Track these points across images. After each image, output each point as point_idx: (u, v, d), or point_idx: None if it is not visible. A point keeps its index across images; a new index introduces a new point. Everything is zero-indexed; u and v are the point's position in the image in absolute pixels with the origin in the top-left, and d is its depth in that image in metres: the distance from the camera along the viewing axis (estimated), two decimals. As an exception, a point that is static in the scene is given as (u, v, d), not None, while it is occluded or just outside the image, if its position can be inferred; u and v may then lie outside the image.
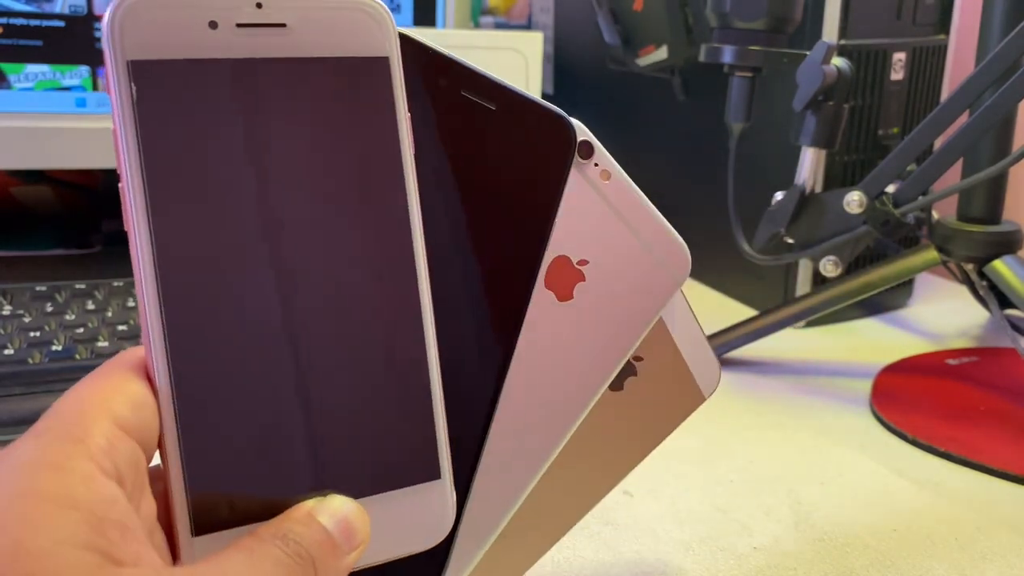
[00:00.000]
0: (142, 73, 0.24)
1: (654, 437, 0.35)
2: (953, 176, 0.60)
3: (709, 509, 0.46)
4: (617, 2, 0.75)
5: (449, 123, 0.31)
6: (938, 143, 0.60)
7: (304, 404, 0.25)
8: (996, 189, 0.60)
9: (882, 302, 0.74)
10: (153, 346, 0.24)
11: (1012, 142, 0.59)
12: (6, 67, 0.70)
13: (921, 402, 0.57)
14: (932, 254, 0.61)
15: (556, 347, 0.32)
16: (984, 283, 0.59)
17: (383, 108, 0.27)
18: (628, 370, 0.34)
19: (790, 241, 0.62)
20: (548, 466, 0.32)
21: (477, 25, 0.94)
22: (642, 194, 0.33)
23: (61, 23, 0.72)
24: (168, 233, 0.24)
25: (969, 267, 0.60)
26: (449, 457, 0.27)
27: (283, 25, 0.25)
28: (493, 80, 0.31)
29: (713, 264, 0.77)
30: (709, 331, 0.64)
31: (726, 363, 0.64)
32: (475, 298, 0.31)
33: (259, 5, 0.25)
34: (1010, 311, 0.60)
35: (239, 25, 0.25)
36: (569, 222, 0.32)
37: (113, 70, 0.24)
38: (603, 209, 0.32)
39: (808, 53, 0.58)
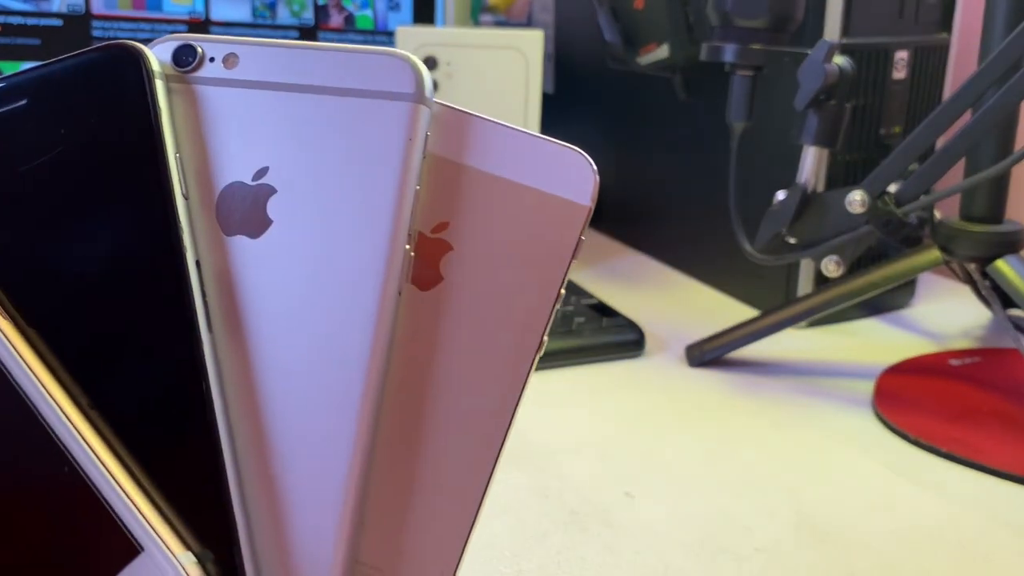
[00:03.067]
0: None
1: (538, 294, 0.27)
2: (955, 175, 0.60)
3: (710, 510, 0.46)
4: (618, 0, 0.75)
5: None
6: (940, 142, 0.59)
7: None
8: (998, 188, 0.60)
9: (884, 302, 0.73)
10: None
11: (1014, 141, 0.59)
12: (3, 65, 0.70)
13: (924, 403, 0.57)
14: (934, 254, 0.60)
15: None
16: (987, 283, 0.59)
17: None
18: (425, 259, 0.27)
19: (792, 241, 0.61)
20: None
21: (477, 23, 0.94)
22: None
23: (59, 22, 0.72)
24: None
25: (972, 267, 0.59)
26: (156, 521, 0.25)
27: None
28: (7, 78, 0.26)
29: (714, 264, 0.76)
30: (711, 331, 0.64)
31: (728, 363, 0.63)
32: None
33: None
34: (1013, 311, 0.59)
35: None
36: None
37: None
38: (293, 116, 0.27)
39: (810, 52, 0.57)
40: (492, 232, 0.27)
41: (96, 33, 0.74)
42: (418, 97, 0.26)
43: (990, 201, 0.60)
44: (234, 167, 0.27)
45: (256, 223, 0.27)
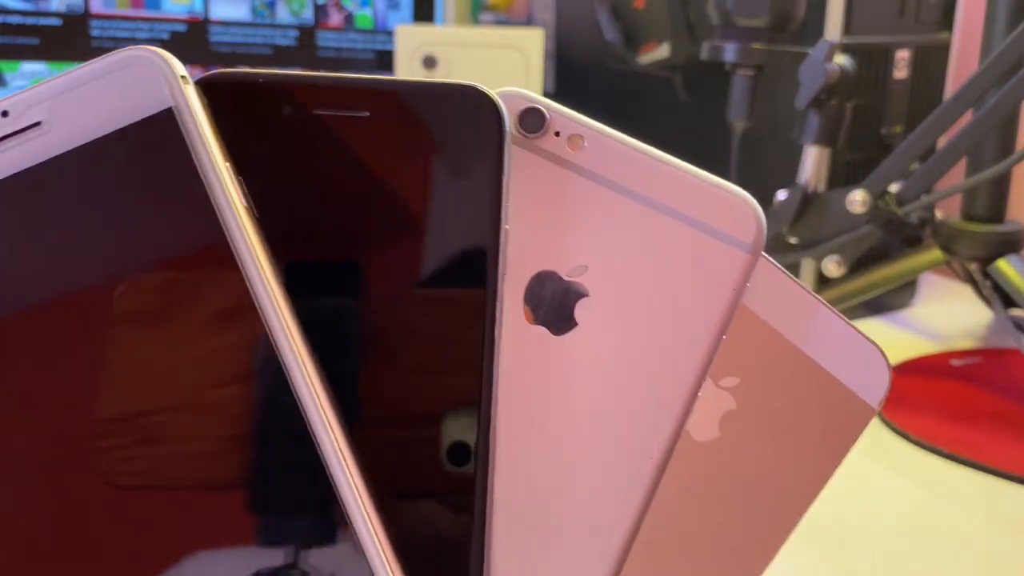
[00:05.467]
0: None
1: (802, 491, 0.27)
2: (957, 175, 0.60)
3: (711, 511, 0.46)
4: None
5: (310, 157, 0.24)
6: (941, 142, 0.59)
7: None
8: (1000, 188, 0.60)
9: (886, 302, 0.73)
10: None
11: (1016, 141, 0.59)
12: (2, 65, 0.70)
13: (925, 403, 0.56)
14: (936, 254, 0.60)
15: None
16: (988, 283, 0.59)
17: (183, 173, 0.21)
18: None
19: (793, 241, 0.61)
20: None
21: (477, 22, 0.94)
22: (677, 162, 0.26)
23: (58, 21, 0.72)
24: None
25: (973, 267, 0.59)
26: None
27: (37, 124, 0.21)
28: (354, 81, 0.24)
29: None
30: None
31: (728, 363, 0.63)
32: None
33: (4, 113, 0.21)
34: (1014, 311, 0.59)
35: None
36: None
37: None
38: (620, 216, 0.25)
39: (811, 51, 0.57)
40: (776, 402, 0.26)
41: (95, 32, 0.74)
42: (754, 249, 0.25)
43: (991, 201, 0.60)
44: (552, 255, 0.25)
45: (560, 320, 0.25)
